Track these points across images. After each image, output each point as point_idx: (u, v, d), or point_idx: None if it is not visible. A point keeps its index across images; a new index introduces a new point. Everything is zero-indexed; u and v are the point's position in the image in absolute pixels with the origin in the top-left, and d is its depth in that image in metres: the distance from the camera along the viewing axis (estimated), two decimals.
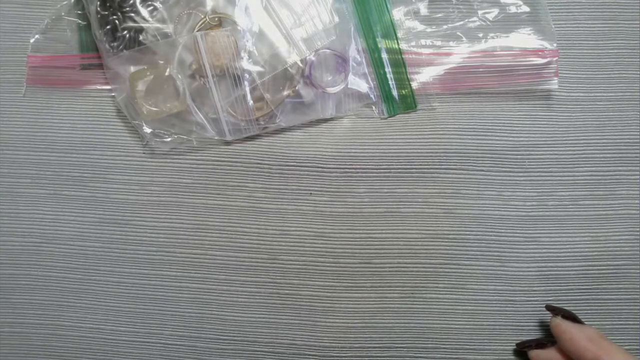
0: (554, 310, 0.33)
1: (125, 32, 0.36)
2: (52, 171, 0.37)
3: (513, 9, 0.37)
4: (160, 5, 0.36)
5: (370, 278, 0.36)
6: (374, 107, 0.37)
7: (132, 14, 0.35)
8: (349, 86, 0.37)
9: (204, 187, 0.37)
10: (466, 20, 0.37)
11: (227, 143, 0.37)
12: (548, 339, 0.34)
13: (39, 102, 0.37)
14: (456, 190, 0.36)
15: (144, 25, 0.36)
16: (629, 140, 0.37)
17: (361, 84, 0.37)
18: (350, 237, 0.36)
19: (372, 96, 0.37)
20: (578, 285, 0.36)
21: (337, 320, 0.36)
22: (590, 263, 0.36)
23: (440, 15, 0.38)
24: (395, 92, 0.37)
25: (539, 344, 0.34)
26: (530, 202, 0.36)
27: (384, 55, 0.37)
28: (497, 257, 0.36)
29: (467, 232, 0.36)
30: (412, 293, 0.36)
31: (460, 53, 0.37)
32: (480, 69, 0.37)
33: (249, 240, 0.36)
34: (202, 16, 0.35)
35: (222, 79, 0.36)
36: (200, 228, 0.37)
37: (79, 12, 0.37)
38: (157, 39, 0.35)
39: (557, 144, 0.37)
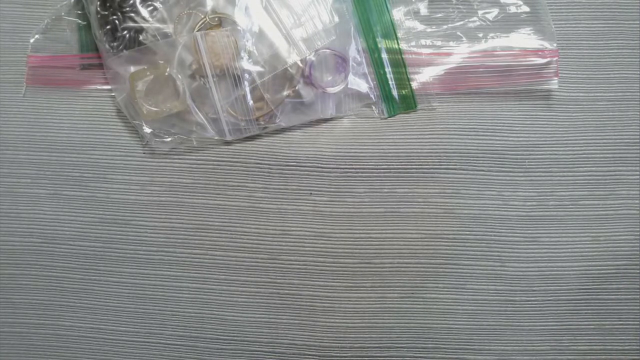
0: None
1: (125, 32, 0.36)
2: (52, 171, 0.37)
3: (513, 9, 0.37)
4: (160, 5, 0.36)
5: (370, 278, 0.36)
6: (374, 107, 0.37)
7: (132, 14, 0.36)
8: (349, 86, 0.37)
9: (204, 187, 0.37)
10: (466, 20, 0.37)
11: (227, 143, 0.37)
12: None
13: (39, 102, 0.37)
14: (456, 190, 0.36)
15: (144, 25, 0.36)
16: (629, 140, 0.37)
17: (361, 84, 0.37)
18: (350, 237, 0.36)
19: (372, 96, 0.37)
20: (578, 285, 0.36)
21: (337, 320, 0.36)
22: (590, 263, 0.36)
23: (440, 15, 0.38)
24: (395, 92, 0.37)
25: None
26: (530, 202, 0.36)
27: (384, 55, 0.37)
28: (497, 257, 0.36)
29: (467, 232, 0.36)
30: (412, 293, 0.36)
31: (460, 53, 0.37)
32: (480, 69, 0.37)
33: (249, 240, 0.36)
34: (202, 16, 0.35)
35: (222, 79, 0.36)
36: (200, 228, 0.37)
37: (79, 12, 0.37)
38: (157, 39, 0.35)
39: (557, 144, 0.37)
